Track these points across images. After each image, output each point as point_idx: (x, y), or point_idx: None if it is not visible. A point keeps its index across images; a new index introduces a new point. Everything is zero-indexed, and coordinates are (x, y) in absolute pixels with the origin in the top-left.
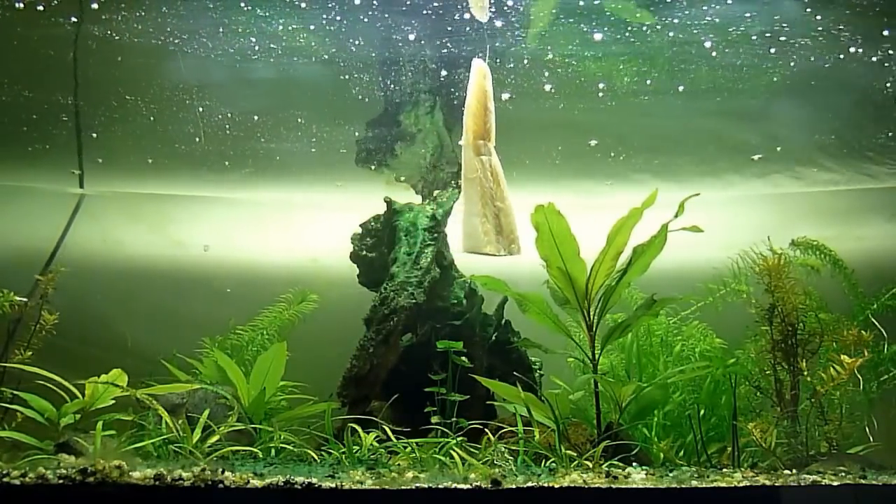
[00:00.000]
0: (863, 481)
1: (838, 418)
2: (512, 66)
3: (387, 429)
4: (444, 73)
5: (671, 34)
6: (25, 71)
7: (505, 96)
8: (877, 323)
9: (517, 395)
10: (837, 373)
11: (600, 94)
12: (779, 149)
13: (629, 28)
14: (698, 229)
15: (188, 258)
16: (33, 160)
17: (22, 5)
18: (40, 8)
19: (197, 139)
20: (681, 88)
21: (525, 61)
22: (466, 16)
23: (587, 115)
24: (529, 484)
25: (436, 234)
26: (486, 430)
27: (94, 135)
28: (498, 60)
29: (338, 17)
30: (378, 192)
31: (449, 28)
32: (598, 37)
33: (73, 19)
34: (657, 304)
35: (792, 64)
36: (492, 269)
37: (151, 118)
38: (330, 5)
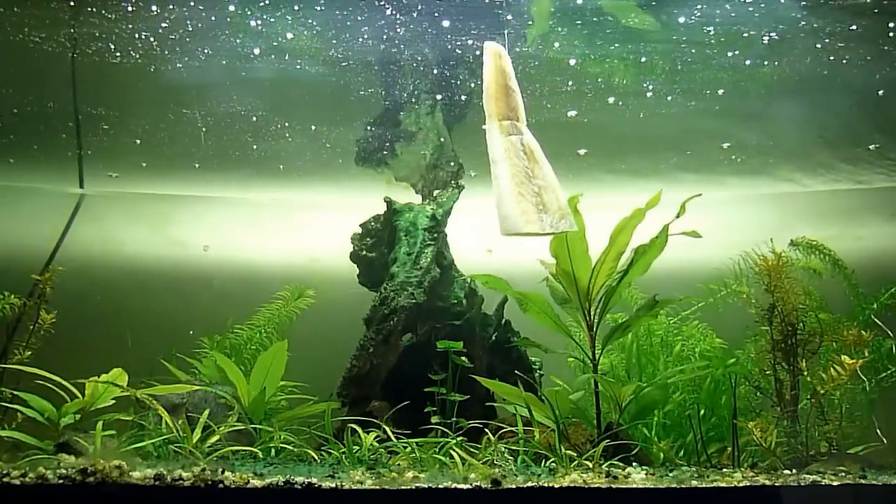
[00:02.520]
0: (863, 481)
1: (838, 418)
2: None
3: (387, 428)
4: (444, 72)
5: (674, 36)
6: (27, 72)
7: (572, 113)
8: (880, 323)
9: (517, 394)
10: (838, 373)
11: (603, 95)
12: None
13: (632, 32)
14: (697, 234)
15: (188, 258)
16: (34, 160)
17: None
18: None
19: (197, 144)
20: (680, 89)
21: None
22: (467, 14)
23: (587, 115)
24: (529, 484)
25: (436, 234)
26: (485, 430)
27: (138, 141)
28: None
29: (338, 17)
30: (378, 191)
31: (450, 27)
32: (602, 39)
33: (72, 22)
34: (658, 304)
35: (792, 64)
36: (490, 268)
37: (151, 120)
38: (330, 5)
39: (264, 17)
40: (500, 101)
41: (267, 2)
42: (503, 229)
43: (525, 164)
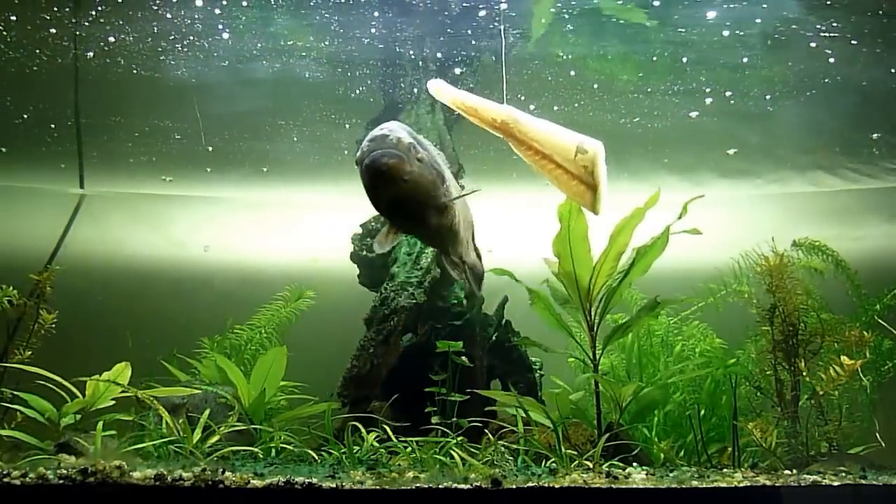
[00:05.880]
0: (863, 481)
1: (838, 418)
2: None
3: (387, 428)
4: (444, 72)
5: (671, 34)
6: (28, 74)
7: (693, 113)
8: (885, 324)
9: (515, 400)
10: (837, 374)
11: (600, 93)
12: None
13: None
14: (697, 231)
15: (188, 258)
16: (34, 161)
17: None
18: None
19: (199, 140)
20: (681, 89)
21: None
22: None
23: (585, 115)
24: (530, 484)
25: None
26: (486, 430)
27: (210, 148)
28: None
29: (338, 17)
30: None
31: (450, 27)
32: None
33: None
34: (659, 305)
35: (792, 64)
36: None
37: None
38: (331, 5)
39: (264, 17)
40: (481, 123)
41: (268, 2)
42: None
43: (533, 154)
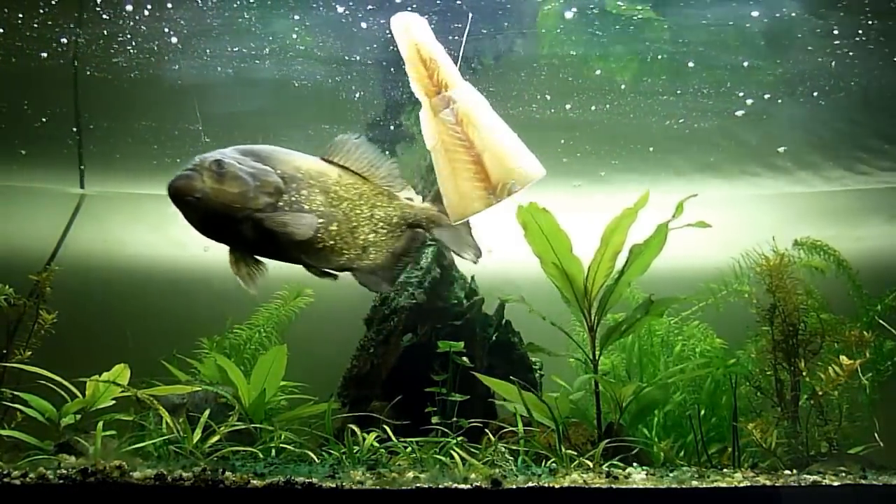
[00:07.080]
0: (863, 481)
1: (838, 418)
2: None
3: (387, 428)
4: None
5: (670, 32)
6: (27, 73)
7: (739, 112)
8: (886, 325)
9: (517, 394)
10: (837, 374)
11: (596, 93)
12: None
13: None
14: (705, 224)
15: (188, 258)
16: (34, 160)
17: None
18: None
19: (199, 138)
20: (679, 89)
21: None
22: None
23: (582, 115)
24: (530, 484)
25: None
26: (486, 430)
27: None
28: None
29: (338, 17)
30: None
31: (451, 27)
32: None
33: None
34: (656, 304)
35: (792, 63)
36: (491, 268)
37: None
38: (331, 5)
39: (265, 17)
40: (422, 78)
41: (268, 2)
42: (451, 218)
43: (459, 138)
